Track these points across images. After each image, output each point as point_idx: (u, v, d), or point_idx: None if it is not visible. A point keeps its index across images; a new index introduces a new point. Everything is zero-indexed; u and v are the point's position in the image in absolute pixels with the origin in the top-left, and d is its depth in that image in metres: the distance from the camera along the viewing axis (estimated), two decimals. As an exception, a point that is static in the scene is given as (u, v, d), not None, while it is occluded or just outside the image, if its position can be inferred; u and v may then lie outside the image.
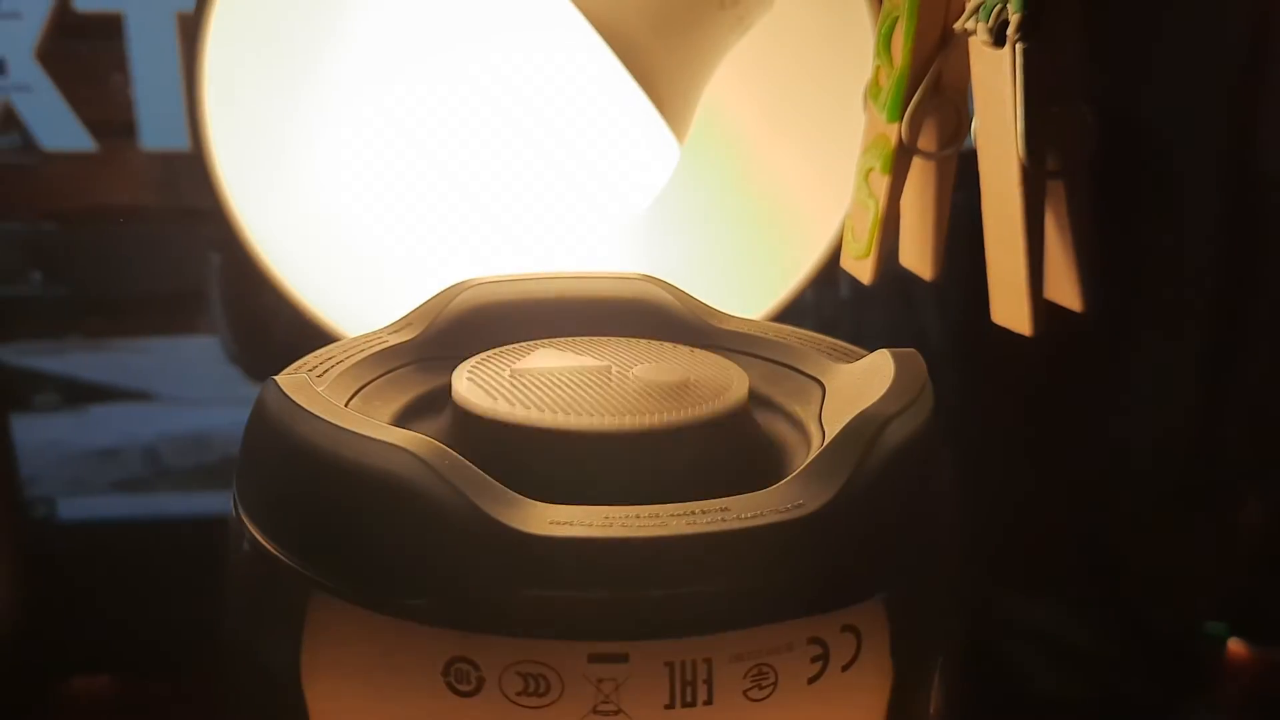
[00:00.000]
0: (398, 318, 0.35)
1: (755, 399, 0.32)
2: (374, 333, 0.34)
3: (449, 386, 0.31)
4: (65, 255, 0.56)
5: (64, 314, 0.57)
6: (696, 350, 0.33)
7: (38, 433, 0.58)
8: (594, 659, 0.24)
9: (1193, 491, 0.49)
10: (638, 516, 0.25)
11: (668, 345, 0.33)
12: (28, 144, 0.55)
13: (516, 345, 0.33)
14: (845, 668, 0.26)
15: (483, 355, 0.32)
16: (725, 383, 0.30)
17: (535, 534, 0.24)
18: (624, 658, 0.25)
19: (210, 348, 0.59)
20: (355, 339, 0.34)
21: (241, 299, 0.56)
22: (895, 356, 0.31)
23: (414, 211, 0.46)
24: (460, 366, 0.31)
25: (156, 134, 0.56)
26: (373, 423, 0.27)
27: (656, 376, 0.30)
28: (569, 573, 0.24)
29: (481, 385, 0.30)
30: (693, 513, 0.25)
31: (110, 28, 0.53)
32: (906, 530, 0.27)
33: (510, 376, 0.30)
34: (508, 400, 0.29)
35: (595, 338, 0.33)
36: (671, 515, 0.25)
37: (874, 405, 0.28)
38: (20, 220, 0.56)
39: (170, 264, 0.57)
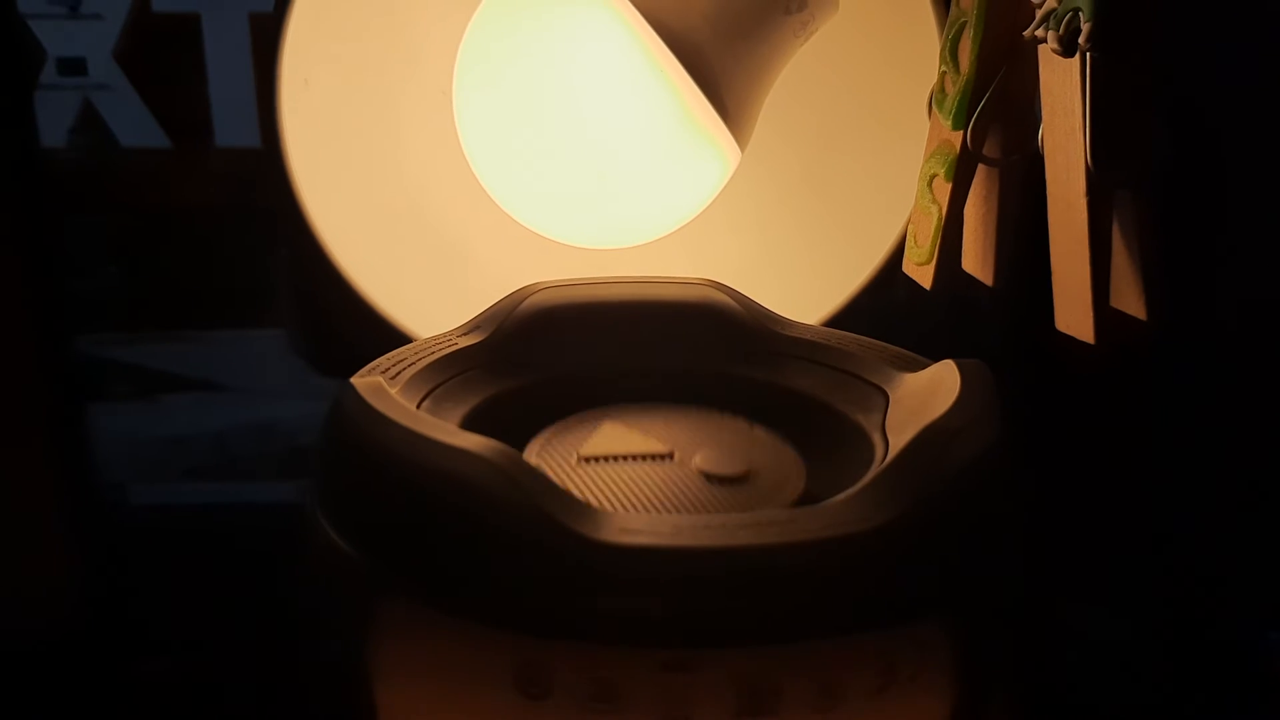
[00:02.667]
0: (466, 319, 0.34)
1: (816, 406, 0.32)
2: (443, 335, 0.34)
3: (517, 390, 0.31)
4: (140, 249, 0.57)
5: (138, 307, 0.57)
6: (755, 427, 0.32)
7: (110, 421, 0.59)
8: (662, 668, 0.24)
9: (1260, 499, 0.48)
10: (706, 526, 0.25)
11: (727, 418, 0.33)
12: (106, 141, 0.55)
13: (583, 416, 0.32)
14: (910, 681, 0.26)
15: (549, 432, 0.32)
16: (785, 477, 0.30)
17: (605, 541, 0.24)
18: (691, 666, 0.24)
19: (277, 340, 0.60)
20: (425, 341, 0.34)
21: (308, 293, 0.56)
22: (961, 367, 0.30)
23: (480, 212, 0.45)
24: (529, 446, 0.31)
25: (230, 132, 0.56)
26: (447, 427, 0.27)
27: (717, 469, 0.30)
28: (638, 581, 0.24)
29: (550, 470, 0.30)
30: (760, 524, 0.25)
31: (187, 28, 0.53)
32: (973, 546, 0.27)
33: (578, 464, 0.30)
34: (578, 491, 0.29)
35: (659, 408, 0.33)
36: (739, 526, 0.25)
37: (941, 418, 0.27)
38: (98, 215, 0.56)
39: (240, 259, 0.57)
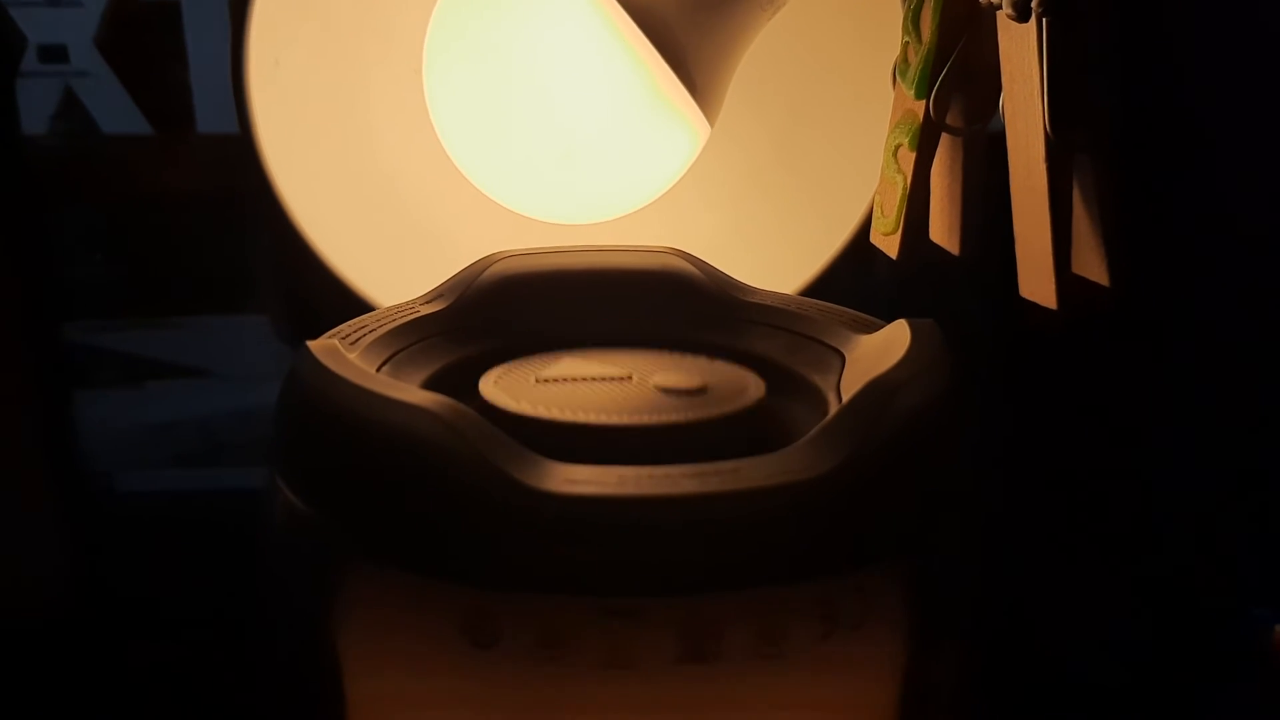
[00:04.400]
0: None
1: (776, 369, 0.33)
2: (407, 303, 0.35)
3: (477, 355, 0.31)
4: (124, 237, 0.57)
5: (122, 294, 0.57)
6: (716, 359, 0.33)
7: (95, 408, 0.59)
8: (606, 614, 0.25)
9: (1235, 472, 0.49)
10: (650, 476, 0.25)
11: (688, 355, 0.33)
12: (88, 129, 0.55)
13: (542, 355, 0.33)
14: (853, 630, 0.26)
15: (507, 365, 0.32)
16: (742, 388, 0.30)
17: (550, 491, 0.25)
18: (635, 614, 0.25)
19: (262, 326, 0.60)
20: (388, 309, 0.34)
21: (291, 279, 0.56)
22: (912, 326, 0.31)
23: (454, 189, 0.45)
24: (485, 375, 0.31)
25: (211, 118, 0.57)
26: (396, 385, 0.27)
27: (675, 383, 0.30)
28: (582, 529, 0.25)
29: (508, 391, 0.30)
30: (704, 474, 0.25)
31: (167, 14, 0.53)
32: (919, 496, 0.27)
33: (536, 384, 0.31)
34: (531, 404, 0.29)
35: (619, 350, 0.34)
36: (683, 475, 0.25)
37: (886, 372, 0.28)
38: (82, 203, 0.56)
39: (224, 244, 0.57)
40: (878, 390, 0.27)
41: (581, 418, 0.28)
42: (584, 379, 0.31)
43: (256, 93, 0.43)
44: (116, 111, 0.54)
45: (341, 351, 0.29)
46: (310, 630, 0.28)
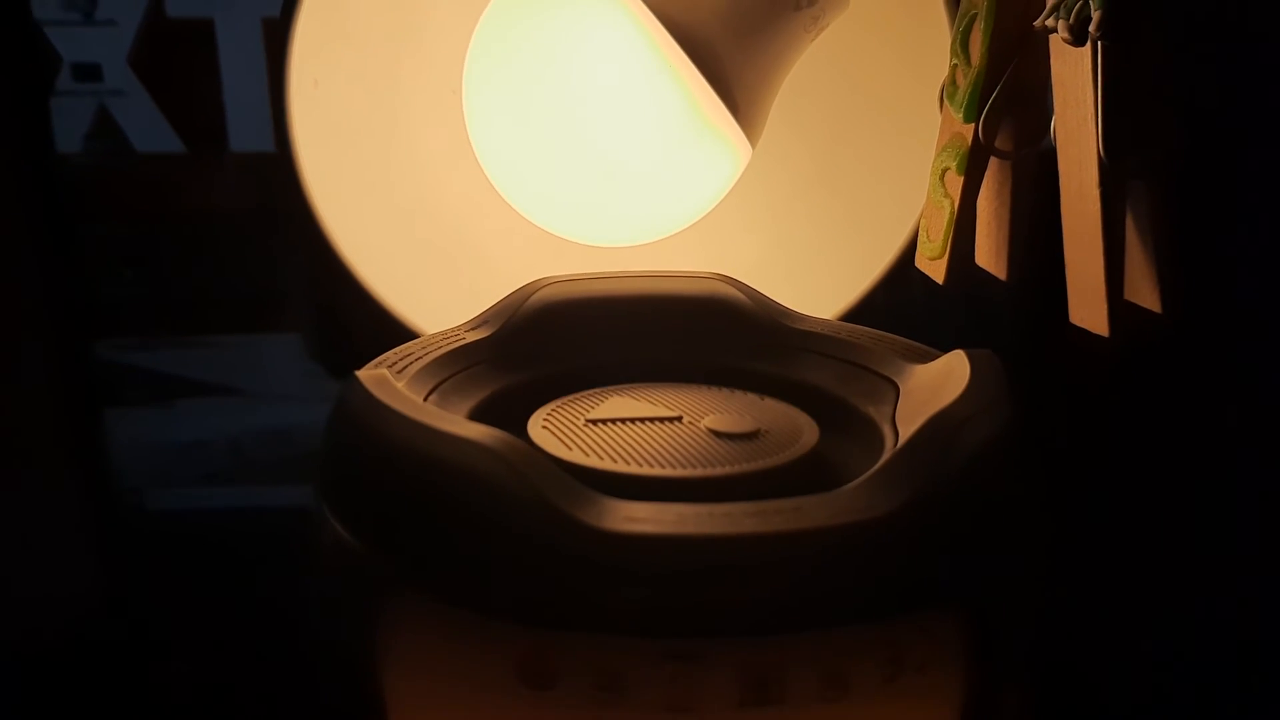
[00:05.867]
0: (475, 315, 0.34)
1: (827, 399, 0.32)
2: (452, 330, 0.34)
3: (524, 384, 0.31)
4: (156, 255, 0.57)
5: (153, 312, 0.57)
6: (766, 398, 0.32)
7: (126, 426, 0.59)
8: (666, 656, 0.24)
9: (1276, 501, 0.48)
10: (710, 514, 0.24)
11: (738, 392, 0.33)
12: (122, 147, 0.55)
13: (591, 391, 0.32)
14: (918, 672, 0.25)
15: (557, 402, 0.32)
16: (796, 433, 0.30)
17: (609, 529, 0.24)
18: (696, 656, 0.24)
19: (293, 345, 0.60)
20: (433, 336, 0.34)
21: (323, 298, 0.56)
22: (971, 357, 0.30)
23: (493, 211, 0.45)
24: (535, 415, 0.31)
25: (244, 136, 0.56)
26: (450, 417, 0.27)
27: (727, 427, 0.30)
28: (641, 569, 0.24)
29: (556, 434, 0.29)
30: (765, 512, 0.25)
31: (201, 33, 0.53)
32: (982, 535, 0.27)
33: (585, 426, 0.30)
34: (583, 451, 0.29)
35: (666, 385, 0.33)
36: (744, 514, 0.24)
37: (950, 406, 0.27)
38: (115, 221, 0.56)
39: (255, 263, 0.57)
40: (941, 426, 0.26)
41: (634, 469, 0.27)
42: (634, 419, 0.31)
43: (297, 113, 0.43)
44: (150, 130, 0.54)
45: (392, 382, 0.28)
46: (355, 666, 0.27)
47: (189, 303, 0.56)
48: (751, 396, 0.33)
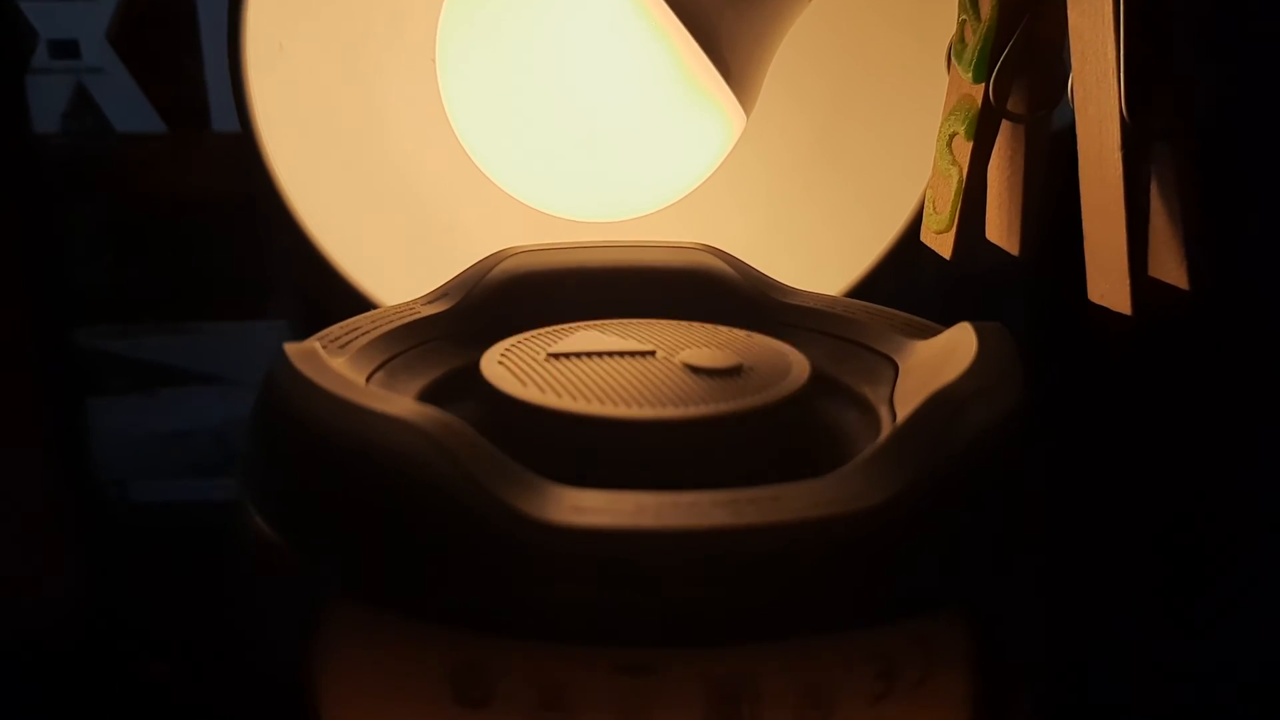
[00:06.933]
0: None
1: (819, 380, 0.28)
2: (407, 303, 0.30)
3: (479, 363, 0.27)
4: (137, 238, 0.55)
5: (135, 298, 0.56)
6: (754, 335, 0.29)
7: (108, 416, 0.57)
8: (619, 670, 0.20)
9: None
10: (674, 505, 0.21)
11: (722, 329, 0.29)
12: (100, 127, 0.54)
13: (555, 327, 0.29)
14: (915, 687, 0.21)
15: (518, 337, 0.28)
16: (783, 368, 0.26)
17: (554, 522, 0.20)
18: (654, 669, 0.20)
19: (280, 332, 0.57)
20: (385, 310, 0.30)
21: (306, 282, 0.54)
22: (978, 330, 0.26)
23: (470, 185, 0.42)
24: (492, 349, 0.27)
25: (227, 115, 0.54)
26: (379, 394, 0.23)
27: (706, 362, 0.26)
28: (592, 568, 0.20)
29: (514, 369, 0.26)
30: (738, 501, 0.21)
31: (181, 9, 0.51)
32: (989, 528, 0.23)
33: (546, 361, 0.26)
34: (540, 387, 0.25)
35: (642, 320, 0.29)
36: (713, 504, 0.21)
37: (953, 383, 0.23)
38: (93, 203, 0.55)
39: (239, 247, 0.55)
40: (942, 404, 0.22)
41: (596, 409, 0.23)
42: (601, 353, 0.27)
43: (256, 81, 0.39)
44: (129, 109, 0.53)
45: (321, 356, 0.24)
46: (284, 674, 0.24)
47: (171, 288, 0.55)
48: (738, 332, 0.28)
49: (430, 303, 0.30)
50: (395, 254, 0.45)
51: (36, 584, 0.53)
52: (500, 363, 0.26)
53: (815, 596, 0.21)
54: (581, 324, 0.29)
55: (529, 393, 0.25)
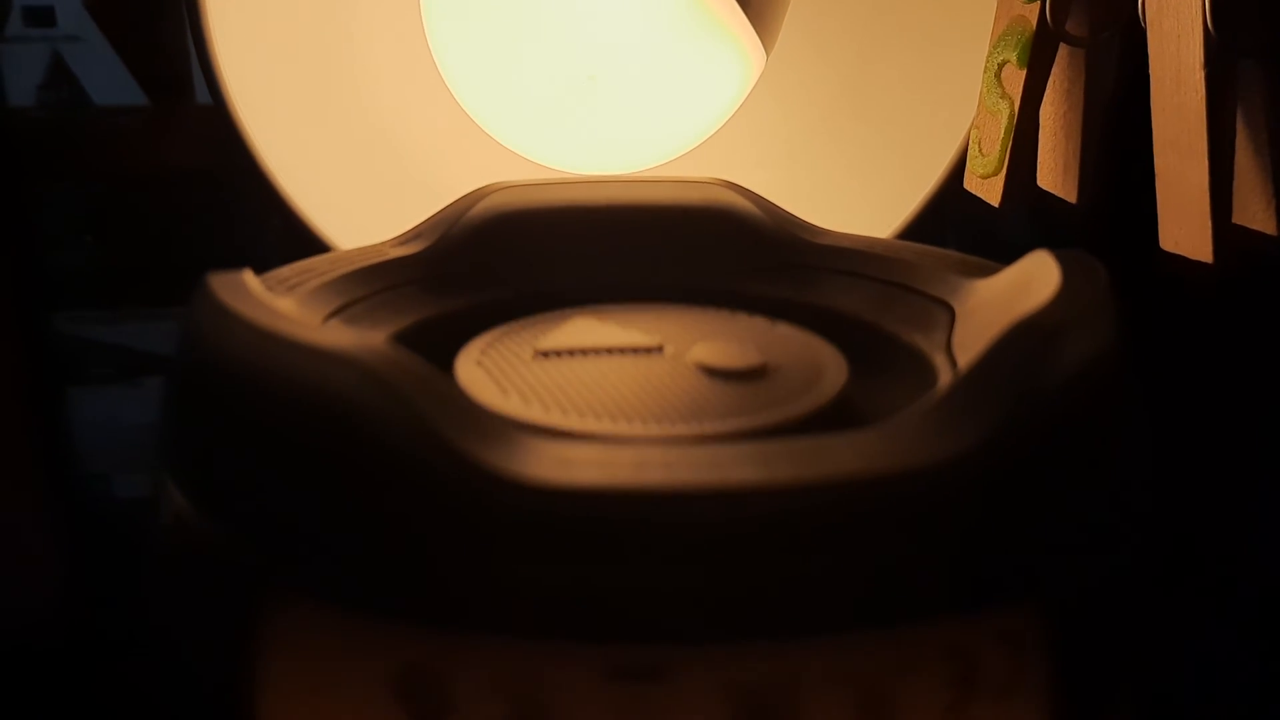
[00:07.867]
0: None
1: (861, 329, 0.23)
2: (374, 245, 0.25)
3: (461, 311, 0.22)
4: (118, 218, 0.53)
5: (117, 281, 0.54)
6: (778, 323, 0.24)
7: (89, 406, 0.55)
8: (615, 675, 0.15)
9: None
10: (687, 458, 0.15)
11: (740, 316, 0.24)
12: (78, 99, 0.52)
13: (544, 315, 0.24)
14: (999, 698, 0.16)
15: (499, 330, 0.23)
16: (816, 367, 0.21)
17: (531, 479, 0.15)
18: (661, 675, 0.15)
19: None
20: (349, 251, 0.25)
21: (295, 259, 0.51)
22: (1060, 257, 0.21)
23: (459, 134, 0.39)
24: (469, 346, 0.22)
25: (212, 87, 0.52)
26: (308, 327, 0.18)
27: (723, 361, 0.21)
28: (578, 539, 0.15)
29: (494, 373, 0.21)
30: (770, 455, 0.15)
31: None
32: (1085, 495, 0.17)
33: (533, 360, 0.21)
34: (523, 396, 0.20)
35: (647, 305, 0.25)
36: (738, 457, 0.15)
37: (1039, 310, 0.18)
38: (72, 180, 0.53)
39: (227, 226, 0.53)
40: (1028, 334, 0.17)
41: (590, 427, 0.18)
42: (599, 350, 0.22)
43: (215, 12, 0.36)
44: (109, 80, 0.51)
45: (251, 286, 0.19)
46: (207, 676, 0.19)
47: (154, 270, 0.53)
48: (760, 321, 0.24)
49: (401, 244, 0.26)
50: (378, 212, 0.41)
51: (17, 583, 0.50)
52: (479, 364, 0.21)
53: (870, 578, 0.15)
54: (575, 311, 0.24)
55: (510, 404, 0.20)
